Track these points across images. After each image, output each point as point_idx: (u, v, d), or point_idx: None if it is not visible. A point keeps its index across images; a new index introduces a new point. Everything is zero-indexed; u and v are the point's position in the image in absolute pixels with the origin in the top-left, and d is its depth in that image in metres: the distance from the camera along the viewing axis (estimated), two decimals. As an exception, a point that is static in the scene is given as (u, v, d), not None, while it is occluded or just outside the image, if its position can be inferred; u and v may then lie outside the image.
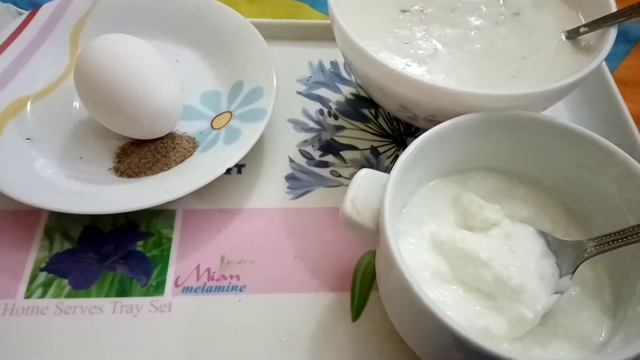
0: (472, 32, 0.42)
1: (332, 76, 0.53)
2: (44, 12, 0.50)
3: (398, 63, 0.40)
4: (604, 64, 0.49)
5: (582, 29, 0.41)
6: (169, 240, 0.41)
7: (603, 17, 0.40)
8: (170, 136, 0.45)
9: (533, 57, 0.41)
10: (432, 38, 0.42)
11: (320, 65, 0.54)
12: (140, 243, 0.41)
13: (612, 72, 0.51)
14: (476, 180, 0.38)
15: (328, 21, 0.43)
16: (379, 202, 0.31)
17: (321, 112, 0.51)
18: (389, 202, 0.30)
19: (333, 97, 0.52)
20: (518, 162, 0.37)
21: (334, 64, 0.54)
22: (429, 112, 0.39)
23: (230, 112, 0.47)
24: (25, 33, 0.49)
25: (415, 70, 0.40)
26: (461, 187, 0.37)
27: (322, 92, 0.52)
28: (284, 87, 0.52)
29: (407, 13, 0.44)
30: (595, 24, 0.40)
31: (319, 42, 0.55)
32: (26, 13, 0.50)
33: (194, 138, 0.46)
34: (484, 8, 0.44)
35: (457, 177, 0.38)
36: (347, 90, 0.52)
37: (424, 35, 0.42)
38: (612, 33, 0.39)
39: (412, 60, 0.40)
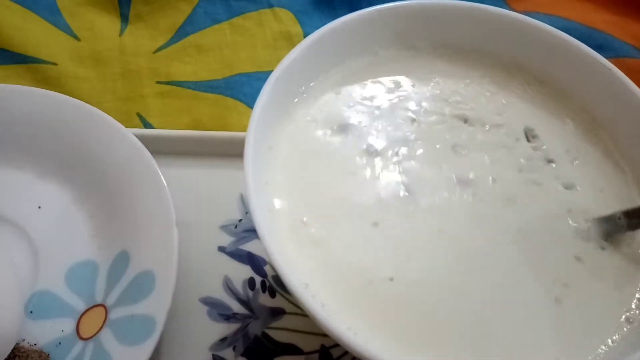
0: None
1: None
2: None
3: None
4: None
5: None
6: None
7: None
8: (9, 357, 0.30)
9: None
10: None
11: (256, 201, 0.39)
12: None
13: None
14: None
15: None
16: None
17: (251, 283, 0.35)
18: None
19: (271, 256, 0.37)
20: None
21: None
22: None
23: (104, 308, 0.32)
24: None
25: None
26: None
27: (256, 246, 0.36)
28: (200, 242, 0.36)
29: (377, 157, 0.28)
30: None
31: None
32: None
33: (48, 355, 0.30)
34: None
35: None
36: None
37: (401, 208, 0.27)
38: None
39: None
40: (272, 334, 0.34)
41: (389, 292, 0.25)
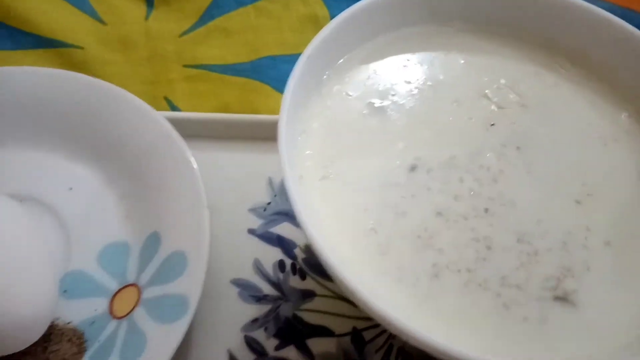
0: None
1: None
2: None
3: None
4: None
5: None
6: None
7: None
8: (44, 335, 0.30)
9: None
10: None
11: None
12: None
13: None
14: None
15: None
16: None
17: (281, 265, 0.35)
18: None
19: (301, 239, 0.36)
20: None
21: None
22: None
23: (137, 288, 0.32)
24: None
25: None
26: None
27: (285, 229, 0.36)
28: (230, 224, 0.36)
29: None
30: None
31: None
32: None
33: (82, 333, 0.30)
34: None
35: None
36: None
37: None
38: None
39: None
40: (303, 315, 0.33)
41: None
